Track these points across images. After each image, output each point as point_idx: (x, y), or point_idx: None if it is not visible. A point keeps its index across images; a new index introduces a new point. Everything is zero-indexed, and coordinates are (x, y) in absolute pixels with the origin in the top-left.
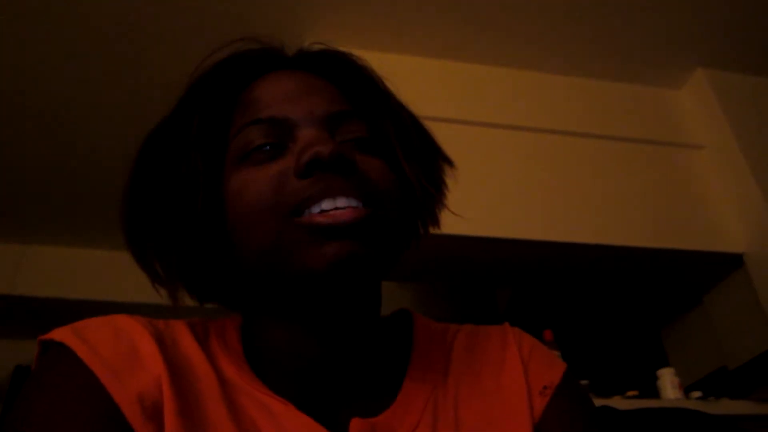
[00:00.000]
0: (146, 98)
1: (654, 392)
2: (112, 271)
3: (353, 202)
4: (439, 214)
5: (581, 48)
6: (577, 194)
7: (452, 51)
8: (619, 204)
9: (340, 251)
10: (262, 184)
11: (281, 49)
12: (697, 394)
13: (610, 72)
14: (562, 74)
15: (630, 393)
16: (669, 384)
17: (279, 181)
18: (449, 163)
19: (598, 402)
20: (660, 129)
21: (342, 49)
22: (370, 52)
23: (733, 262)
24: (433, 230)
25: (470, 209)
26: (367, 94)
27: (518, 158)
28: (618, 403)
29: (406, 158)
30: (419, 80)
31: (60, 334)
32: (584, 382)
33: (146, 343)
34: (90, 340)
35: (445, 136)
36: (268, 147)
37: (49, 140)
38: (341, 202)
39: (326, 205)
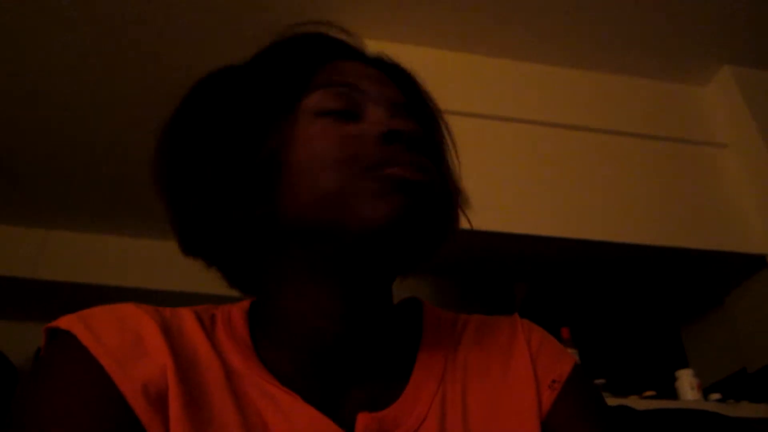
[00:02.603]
0: (168, 86)
1: (672, 393)
2: (133, 257)
3: (419, 176)
4: (463, 211)
5: (606, 43)
6: (598, 191)
7: (481, 46)
8: (641, 202)
9: (404, 202)
10: (340, 138)
11: (363, 46)
12: (716, 396)
13: (635, 68)
14: (589, 70)
15: (647, 393)
16: (688, 385)
17: (357, 141)
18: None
19: (615, 401)
20: (684, 126)
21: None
22: (382, 42)
23: (755, 263)
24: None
25: (490, 205)
26: (420, 101)
27: (539, 154)
28: (635, 403)
29: (448, 159)
30: (449, 75)
31: (66, 322)
32: (601, 380)
33: (152, 332)
34: (95, 329)
35: (465, 131)
36: (345, 110)
37: (73, 126)
38: (412, 170)
39: (400, 169)
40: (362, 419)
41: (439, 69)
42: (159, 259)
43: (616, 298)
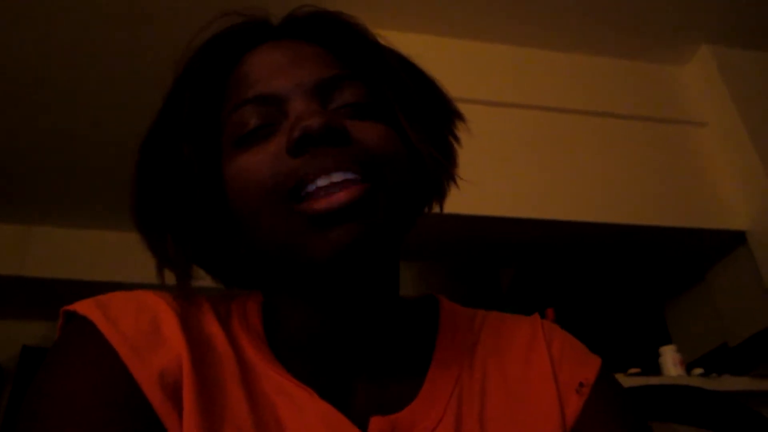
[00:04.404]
0: (153, 79)
1: (656, 369)
2: (117, 251)
3: (350, 175)
4: (452, 179)
5: (585, 24)
6: (580, 172)
7: (455, 29)
8: (622, 182)
9: (343, 238)
10: (257, 169)
11: (267, 20)
12: (698, 370)
13: (614, 49)
14: (567, 51)
15: (632, 370)
16: (671, 361)
17: (274, 164)
18: (460, 118)
19: None
20: (664, 106)
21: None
22: (380, 30)
23: (735, 240)
24: (448, 190)
25: (474, 188)
26: (362, 56)
27: (521, 137)
28: (620, 380)
29: (409, 122)
30: (424, 58)
31: (83, 307)
32: None
33: (169, 321)
34: (113, 316)
35: None
36: (259, 128)
37: (55, 122)
38: (337, 177)
39: (321, 182)
40: (375, 422)
41: (422, 54)
42: (143, 253)
43: (599, 277)
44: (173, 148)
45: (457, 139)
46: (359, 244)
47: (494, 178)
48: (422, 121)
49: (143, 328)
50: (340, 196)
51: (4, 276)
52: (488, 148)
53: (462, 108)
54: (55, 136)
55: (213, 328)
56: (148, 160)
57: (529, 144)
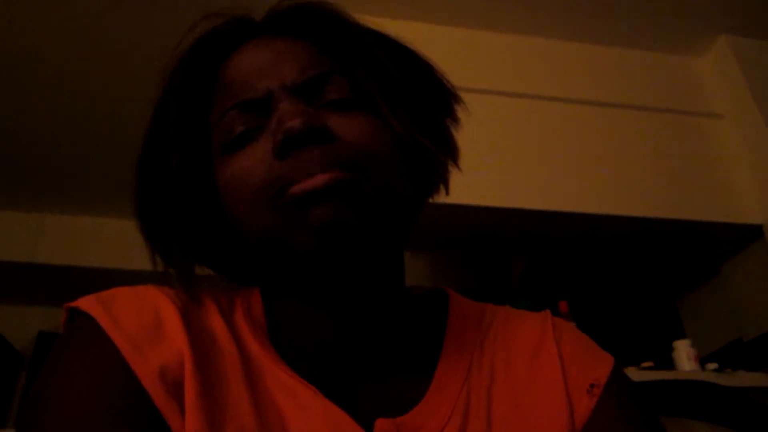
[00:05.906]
0: (161, 71)
1: (669, 363)
2: (129, 239)
3: (335, 174)
4: (442, 162)
5: (601, 15)
6: (594, 164)
7: (469, 19)
8: (637, 174)
9: (323, 215)
10: (247, 178)
11: (249, 18)
12: (713, 365)
13: (631, 40)
14: (584, 42)
15: (645, 364)
16: (684, 355)
17: (261, 170)
18: (456, 100)
19: None
20: (680, 98)
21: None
22: (377, 18)
23: (752, 234)
24: (448, 174)
25: (486, 179)
26: (345, 47)
27: (535, 128)
28: (633, 374)
29: (391, 110)
30: (438, 49)
31: (85, 304)
32: None
33: (171, 317)
34: (114, 312)
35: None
36: (247, 132)
37: (67, 110)
38: (322, 178)
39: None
40: (381, 425)
41: (431, 44)
42: None
43: (613, 270)
44: (163, 158)
45: (456, 120)
46: (341, 225)
47: (508, 168)
48: (408, 108)
49: (145, 324)
50: (320, 178)
51: (19, 263)
52: (502, 138)
53: (476, 98)
54: (68, 125)
55: (216, 322)
56: (143, 169)
57: (544, 135)
